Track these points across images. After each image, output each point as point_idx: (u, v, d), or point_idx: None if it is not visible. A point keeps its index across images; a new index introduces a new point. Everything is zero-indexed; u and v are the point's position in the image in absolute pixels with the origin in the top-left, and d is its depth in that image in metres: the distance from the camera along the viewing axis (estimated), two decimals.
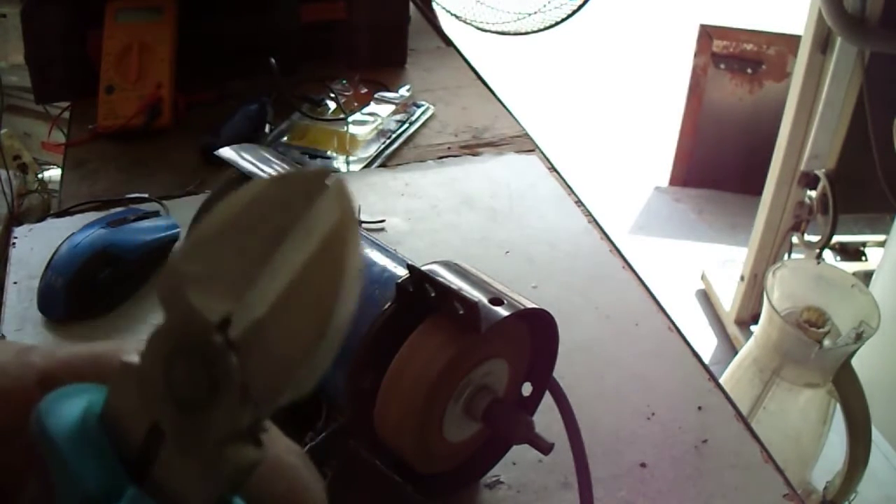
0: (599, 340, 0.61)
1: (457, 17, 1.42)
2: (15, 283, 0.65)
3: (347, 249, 0.18)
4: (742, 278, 1.87)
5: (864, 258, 1.96)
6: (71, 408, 0.20)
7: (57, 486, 0.19)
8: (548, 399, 0.45)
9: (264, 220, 0.19)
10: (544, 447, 0.41)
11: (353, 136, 0.87)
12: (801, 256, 1.72)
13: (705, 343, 1.94)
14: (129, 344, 0.24)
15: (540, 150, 0.88)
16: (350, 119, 0.88)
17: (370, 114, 0.90)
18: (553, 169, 0.84)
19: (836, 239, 1.80)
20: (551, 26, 1.42)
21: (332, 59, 1.02)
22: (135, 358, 0.20)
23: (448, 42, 1.14)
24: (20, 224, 0.72)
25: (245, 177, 0.49)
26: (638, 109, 3.00)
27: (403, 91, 0.95)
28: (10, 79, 1.35)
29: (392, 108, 0.92)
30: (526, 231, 0.73)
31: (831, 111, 1.56)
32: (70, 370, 0.24)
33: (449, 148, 0.88)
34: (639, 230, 2.40)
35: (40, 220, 0.73)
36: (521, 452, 0.47)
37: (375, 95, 0.94)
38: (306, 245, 0.18)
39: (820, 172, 1.61)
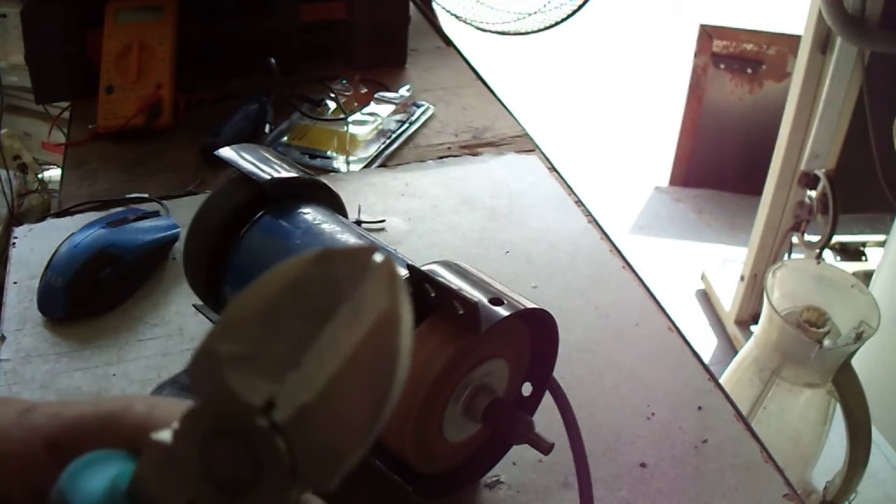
0: (599, 341, 0.61)
1: (457, 17, 1.42)
2: (15, 282, 0.65)
3: (400, 333, 0.17)
4: (742, 278, 1.87)
5: (864, 258, 1.96)
6: (95, 481, 0.19)
7: None
8: (548, 399, 0.45)
9: (307, 299, 0.18)
10: (544, 447, 0.41)
11: (353, 136, 0.87)
12: (801, 256, 1.72)
13: (705, 343, 1.94)
14: (138, 401, 0.23)
15: (540, 150, 0.88)
16: (350, 119, 0.88)
17: (370, 114, 0.90)
18: (553, 169, 0.84)
19: (836, 239, 1.81)
20: (551, 26, 1.42)
21: (332, 59, 1.02)
22: (166, 435, 0.19)
23: (448, 42, 1.14)
24: (20, 224, 0.72)
25: (245, 177, 0.49)
26: (638, 109, 3.00)
27: (403, 91, 0.95)
28: (10, 79, 1.35)
29: (392, 108, 0.92)
30: (526, 231, 0.73)
31: (831, 111, 1.56)
32: (79, 433, 0.23)
33: (449, 148, 0.88)
34: (639, 230, 2.40)
35: (40, 220, 0.73)
36: (521, 452, 0.47)
37: (375, 95, 0.94)
38: (356, 328, 0.17)
39: (820, 172, 1.61)
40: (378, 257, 0.18)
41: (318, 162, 0.84)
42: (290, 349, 0.18)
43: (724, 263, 2.12)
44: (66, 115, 0.94)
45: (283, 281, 0.18)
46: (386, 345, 0.17)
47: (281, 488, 0.17)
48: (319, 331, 0.18)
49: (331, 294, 0.18)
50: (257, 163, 0.50)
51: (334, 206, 0.52)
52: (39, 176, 1.43)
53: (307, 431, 0.17)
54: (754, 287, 1.83)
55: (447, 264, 0.42)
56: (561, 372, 0.45)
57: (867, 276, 1.50)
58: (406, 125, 0.90)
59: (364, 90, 0.95)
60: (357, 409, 0.17)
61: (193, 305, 0.53)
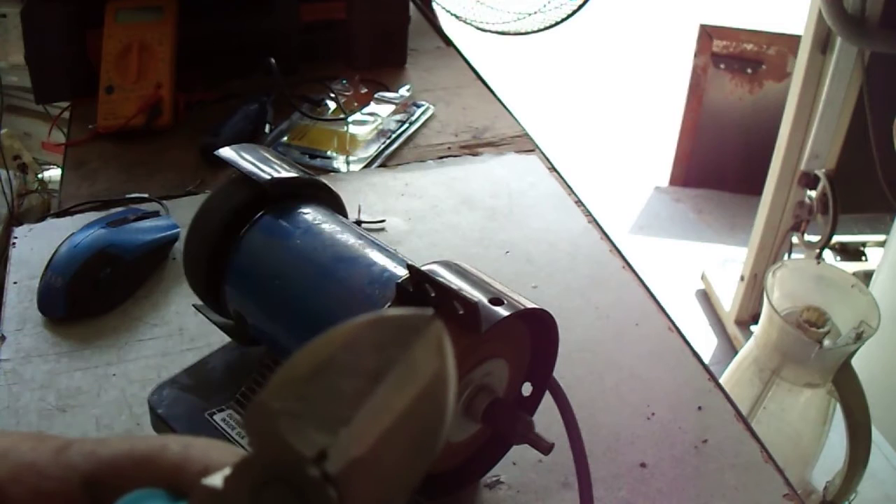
0: (599, 340, 0.61)
1: (457, 17, 1.42)
2: (15, 282, 0.65)
3: (448, 394, 0.19)
4: (742, 278, 1.87)
5: (864, 258, 1.96)
6: None
7: None
8: (548, 399, 0.45)
9: (360, 360, 0.19)
10: (544, 447, 0.41)
11: (353, 136, 0.87)
12: (801, 256, 1.72)
13: (705, 343, 1.94)
14: (173, 441, 0.24)
15: (540, 150, 0.88)
16: (350, 119, 0.88)
17: (370, 114, 0.90)
18: (553, 169, 0.84)
19: (836, 239, 1.80)
20: (551, 26, 1.42)
21: (332, 59, 1.02)
22: (217, 481, 0.20)
23: (448, 42, 1.14)
24: (20, 224, 0.72)
25: (245, 177, 0.49)
26: (638, 109, 3.00)
27: (403, 91, 0.95)
28: (10, 79, 1.35)
29: (392, 108, 0.92)
30: (526, 231, 0.73)
31: (831, 111, 1.56)
32: (115, 472, 0.23)
33: (449, 148, 0.88)
34: (639, 230, 2.40)
35: (40, 220, 0.73)
36: (521, 452, 0.47)
37: (375, 95, 0.94)
38: (408, 388, 0.19)
39: (820, 172, 1.61)
40: (429, 322, 0.19)
41: (318, 162, 0.84)
42: (343, 407, 0.19)
43: (724, 263, 2.12)
44: (66, 115, 0.94)
45: (338, 342, 0.19)
46: (435, 404, 0.19)
47: None
48: (372, 390, 0.19)
49: (383, 356, 0.19)
50: (257, 163, 0.50)
51: (334, 206, 0.52)
52: (39, 176, 1.43)
53: (357, 482, 0.18)
54: (754, 287, 1.83)
55: (447, 264, 0.42)
56: (561, 372, 0.45)
57: (867, 276, 1.50)
58: (406, 125, 0.90)
59: (364, 90, 0.95)
60: (404, 461, 0.19)
61: (193, 305, 0.53)
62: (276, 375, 0.19)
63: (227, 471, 0.20)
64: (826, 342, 1.10)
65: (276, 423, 0.19)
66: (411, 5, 1.05)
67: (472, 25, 1.44)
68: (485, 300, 0.39)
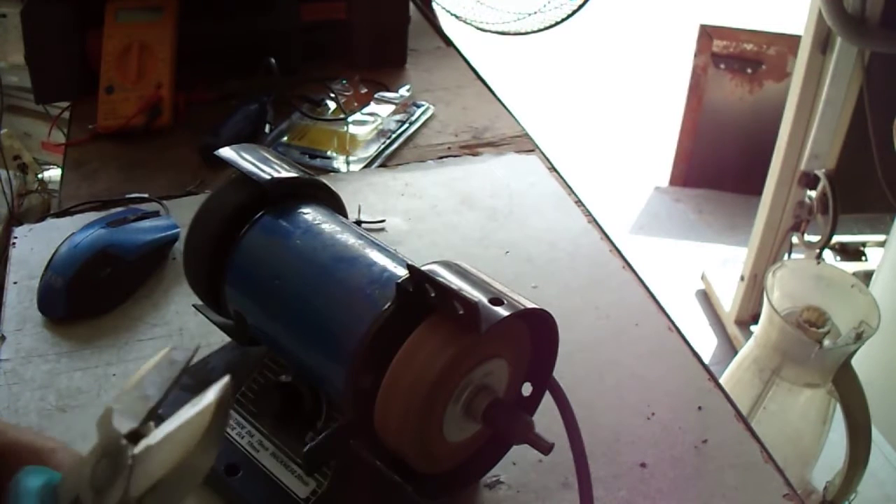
0: (599, 340, 0.61)
1: (457, 17, 1.42)
2: (15, 283, 0.65)
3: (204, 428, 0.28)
4: (742, 278, 1.87)
5: (864, 258, 1.96)
6: (35, 481, 0.31)
7: None
8: (548, 399, 0.45)
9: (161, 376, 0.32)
10: (544, 447, 0.41)
11: (353, 136, 0.87)
12: (801, 256, 1.72)
13: (705, 343, 1.94)
14: (61, 447, 0.35)
15: (540, 150, 0.88)
16: (350, 119, 0.88)
17: (370, 114, 0.90)
18: (553, 169, 0.84)
19: (836, 239, 1.80)
20: (551, 26, 1.42)
21: (332, 59, 1.02)
22: (82, 456, 0.31)
23: (448, 42, 1.14)
24: (20, 224, 0.72)
25: (245, 177, 0.49)
26: (638, 109, 3.00)
27: (403, 91, 0.95)
28: (10, 79, 1.35)
29: (392, 108, 0.92)
30: (526, 231, 0.73)
31: (831, 111, 1.56)
32: (12, 451, 0.34)
33: (449, 148, 0.88)
34: (639, 230, 2.40)
35: (40, 220, 0.73)
36: (521, 452, 0.47)
37: (375, 95, 0.94)
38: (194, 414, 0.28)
39: (820, 172, 1.61)
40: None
41: (318, 162, 0.84)
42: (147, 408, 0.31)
43: (724, 263, 2.12)
44: (66, 115, 0.94)
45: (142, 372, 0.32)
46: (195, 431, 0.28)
47: (123, 488, 0.28)
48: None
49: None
50: (257, 163, 0.50)
51: (334, 206, 0.52)
52: (39, 176, 1.43)
53: (143, 460, 0.28)
54: (754, 287, 1.83)
55: (447, 264, 0.42)
56: (561, 372, 0.45)
57: (867, 276, 1.50)
58: (406, 125, 0.90)
59: (364, 90, 0.95)
60: (172, 458, 0.28)
61: (193, 305, 0.53)
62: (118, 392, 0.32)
63: (85, 454, 0.30)
64: (826, 342, 1.10)
65: (109, 418, 0.30)
66: (411, 5, 1.05)
67: (472, 25, 1.44)
68: (485, 300, 0.39)
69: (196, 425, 0.28)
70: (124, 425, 0.29)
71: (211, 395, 0.28)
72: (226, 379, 0.28)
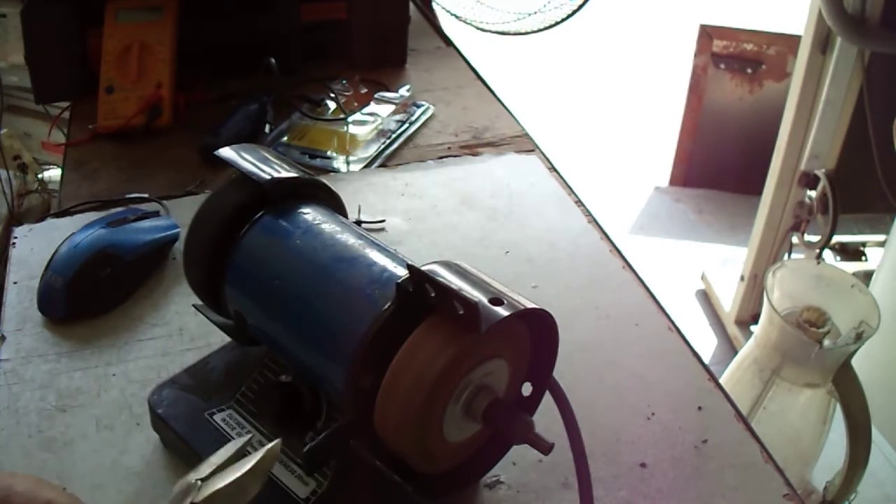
0: (599, 340, 0.61)
1: (457, 17, 1.42)
2: (15, 283, 0.65)
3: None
4: (742, 278, 1.87)
5: (864, 258, 1.96)
6: None
7: None
8: (548, 399, 0.45)
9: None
10: (544, 447, 0.41)
11: (353, 136, 0.87)
12: (801, 256, 1.72)
13: (705, 343, 1.94)
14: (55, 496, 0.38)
15: (540, 150, 0.88)
16: (350, 119, 0.88)
17: (370, 114, 0.90)
18: (553, 169, 0.84)
19: (836, 239, 1.80)
20: (551, 26, 1.42)
21: (332, 59, 1.02)
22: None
23: (448, 42, 1.14)
24: (20, 224, 0.72)
25: (245, 177, 0.49)
26: (638, 109, 3.00)
27: (403, 91, 0.95)
28: (10, 79, 1.35)
29: (392, 108, 0.92)
30: (526, 231, 0.73)
31: (831, 111, 1.56)
32: None
33: (449, 148, 0.88)
34: (639, 230, 2.40)
35: (40, 220, 0.73)
36: (521, 452, 0.47)
37: (375, 95, 0.94)
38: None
39: (820, 172, 1.61)
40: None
41: (318, 162, 0.84)
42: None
43: (724, 263, 2.12)
44: (66, 115, 0.94)
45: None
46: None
47: None
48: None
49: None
50: (257, 163, 0.50)
51: (334, 206, 0.52)
52: (39, 176, 1.43)
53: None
54: (754, 287, 1.83)
55: (447, 264, 0.42)
56: (561, 372, 0.45)
57: (867, 276, 1.50)
58: (406, 125, 0.90)
59: (364, 90, 0.95)
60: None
61: (193, 305, 0.53)
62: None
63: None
64: (826, 342, 1.10)
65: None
66: (411, 5, 1.05)
67: (472, 25, 1.44)
68: (485, 300, 0.39)
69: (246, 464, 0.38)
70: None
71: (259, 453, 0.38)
72: (276, 441, 0.38)
